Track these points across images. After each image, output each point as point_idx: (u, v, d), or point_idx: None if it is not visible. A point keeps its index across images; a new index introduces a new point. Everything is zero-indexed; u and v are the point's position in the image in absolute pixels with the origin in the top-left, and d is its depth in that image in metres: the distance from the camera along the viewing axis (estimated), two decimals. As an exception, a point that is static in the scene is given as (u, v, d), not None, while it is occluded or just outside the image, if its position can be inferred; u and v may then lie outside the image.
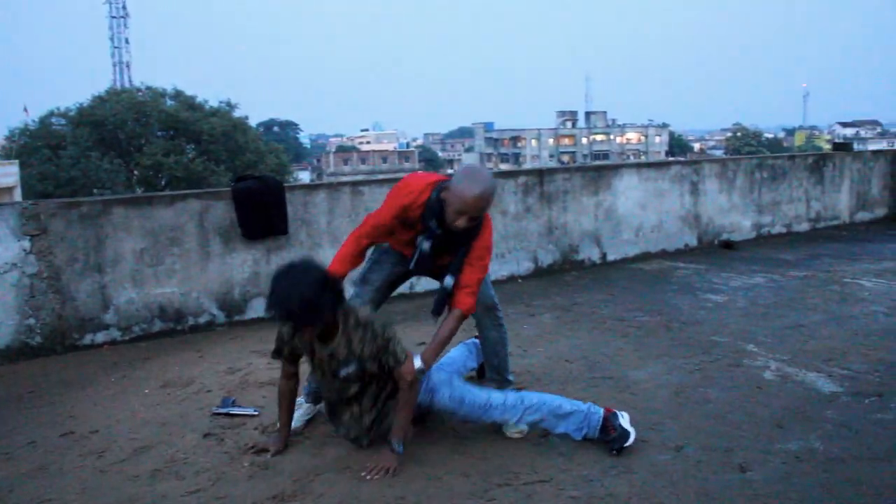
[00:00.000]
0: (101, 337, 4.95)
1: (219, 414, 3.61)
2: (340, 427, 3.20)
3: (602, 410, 3.19)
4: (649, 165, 8.02)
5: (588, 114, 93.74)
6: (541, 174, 6.92)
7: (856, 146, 10.66)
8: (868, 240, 8.41)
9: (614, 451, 3.08)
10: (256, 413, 3.61)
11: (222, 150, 35.15)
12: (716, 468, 2.95)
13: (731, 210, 8.35)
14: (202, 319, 5.29)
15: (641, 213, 7.58)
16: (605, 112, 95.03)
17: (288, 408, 3.23)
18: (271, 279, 2.87)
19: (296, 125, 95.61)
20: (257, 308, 5.47)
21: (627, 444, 3.09)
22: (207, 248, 5.27)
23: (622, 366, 4.24)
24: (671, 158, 65.07)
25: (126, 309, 5.02)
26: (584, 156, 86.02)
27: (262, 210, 5.40)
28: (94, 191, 30.31)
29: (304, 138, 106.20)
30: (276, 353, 3.17)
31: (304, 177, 67.85)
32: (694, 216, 8.01)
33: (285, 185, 5.66)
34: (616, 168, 7.62)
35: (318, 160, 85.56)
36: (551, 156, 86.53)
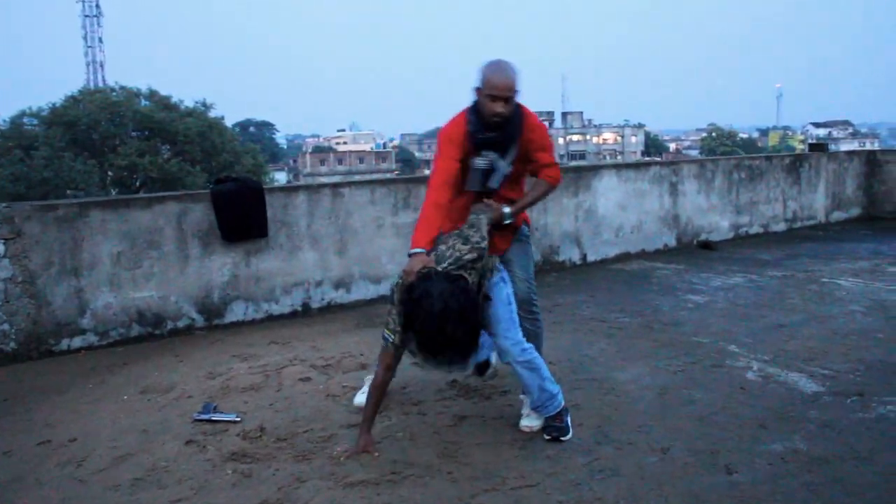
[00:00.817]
0: (77, 342, 4.86)
1: (200, 420, 3.55)
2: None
3: (563, 402, 3.32)
4: (629, 166, 8.05)
5: (564, 114, 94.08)
6: (521, 175, 6.90)
7: (837, 148, 10.78)
8: (843, 239, 8.50)
9: (547, 437, 3.26)
10: (238, 419, 3.56)
11: (198, 151, 34.80)
12: (702, 470, 2.95)
13: (709, 210, 8.40)
14: (181, 323, 5.21)
15: (621, 213, 7.61)
16: (581, 112, 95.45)
17: (378, 403, 3.24)
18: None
19: (272, 125, 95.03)
20: (237, 311, 5.41)
21: (564, 439, 3.25)
22: (186, 250, 5.20)
23: (606, 367, 4.24)
24: (648, 158, 65.51)
25: (103, 313, 4.93)
26: (561, 156, 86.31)
27: (241, 212, 5.34)
28: (68, 192, 29.89)
29: (281, 139, 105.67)
30: (393, 342, 3.13)
31: (281, 177, 67.44)
32: (673, 216, 8.05)
33: (264, 186, 5.60)
34: (596, 169, 7.63)
35: (295, 161, 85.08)
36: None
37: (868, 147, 66.76)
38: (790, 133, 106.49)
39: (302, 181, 65.60)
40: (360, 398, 3.65)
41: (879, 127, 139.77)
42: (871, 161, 10.09)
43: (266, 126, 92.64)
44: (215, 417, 3.55)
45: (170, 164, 33.13)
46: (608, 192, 7.49)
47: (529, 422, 3.40)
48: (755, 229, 8.91)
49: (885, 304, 5.42)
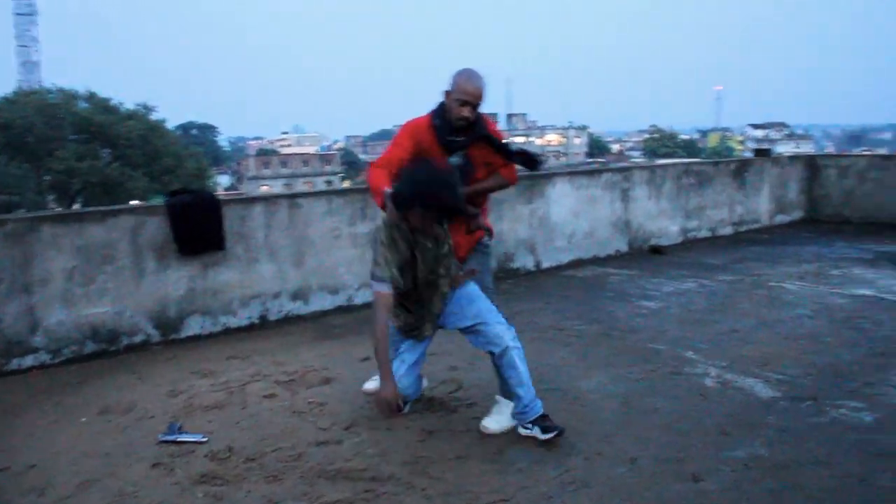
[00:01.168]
0: (29, 361, 4.72)
1: (166, 441, 3.49)
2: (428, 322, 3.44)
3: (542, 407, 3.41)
4: (581, 173, 8.16)
5: (509, 115, 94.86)
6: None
7: (773, 150, 11.08)
8: (787, 242, 8.74)
9: (547, 437, 3.31)
10: (205, 440, 3.50)
11: (139, 155, 34.10)
12: (670, 479, 3.02)
13: (659, 215, 8.57)
14: (137, 339, 5.10)
15: (574, 220, 7.71)
16: (525, 114, 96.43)
17: (388, 348, 3.19)
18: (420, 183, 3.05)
19: (214, 128, 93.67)
20: (193, 325, 5.32)
21: (549, 436, 3.32)
22: (141, 265, 5.09)
23: (568, 376, 4.29)
24: (594, 160, 66.31)
25: (56, 330, 4.79)
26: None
27: (197, 225, 5.26)
28: (1, 196, 28.98)
29: (224, 141, 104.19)
30: (386, 278, 3.17)
31: (224, 181, 66.40)
32: (624, 222, 8.19)
33: (220, 198, 5.52)
34: (550, 176, 7.71)
35: (238, 163, 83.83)
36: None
37: (803, 148, 68.94)
38: (729, 134, 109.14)
39: (245, 184, 64.65)
40: (371, 385, 3.89)
41: (812, 129, 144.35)
42: (812, 165, 10.42)
43: (208, 128, 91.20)
44: (181, 438, 3.49)
45: (110, 169, 32.35)
46: (561, 199, 7.59)
47: (491, 423, 3.51)
48: (703, 233, 9.12)
49: (830, 307, 5.62)
